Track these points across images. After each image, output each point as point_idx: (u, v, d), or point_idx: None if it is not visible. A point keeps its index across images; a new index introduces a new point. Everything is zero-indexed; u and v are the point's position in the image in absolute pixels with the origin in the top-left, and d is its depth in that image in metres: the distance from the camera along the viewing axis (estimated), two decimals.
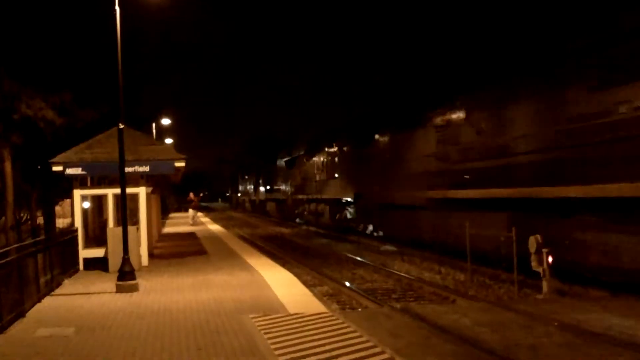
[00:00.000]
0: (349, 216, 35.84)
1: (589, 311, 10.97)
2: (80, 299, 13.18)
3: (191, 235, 32.87)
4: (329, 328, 9.66)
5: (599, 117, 13.65)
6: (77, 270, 17.77)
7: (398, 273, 18.99)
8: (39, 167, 25.14)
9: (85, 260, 18.27)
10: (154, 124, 42.06)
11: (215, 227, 41.37)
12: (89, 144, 18.96)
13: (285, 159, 54.88)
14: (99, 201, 21.21)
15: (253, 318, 10.51)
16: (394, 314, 11.56)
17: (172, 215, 65.08)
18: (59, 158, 18.31)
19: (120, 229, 15.44)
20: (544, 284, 13.93)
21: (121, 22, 14.84)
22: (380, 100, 35.81)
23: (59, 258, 15.50)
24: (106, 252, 17.58)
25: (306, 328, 9.70)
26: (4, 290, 10.42)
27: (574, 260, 14.47)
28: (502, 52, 20.26)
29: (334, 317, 10.55)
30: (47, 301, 12.99)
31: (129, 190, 16.05)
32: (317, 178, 41.87)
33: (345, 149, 35.79)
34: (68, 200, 29.33)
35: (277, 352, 8.34)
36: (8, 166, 22.49)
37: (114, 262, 16.07)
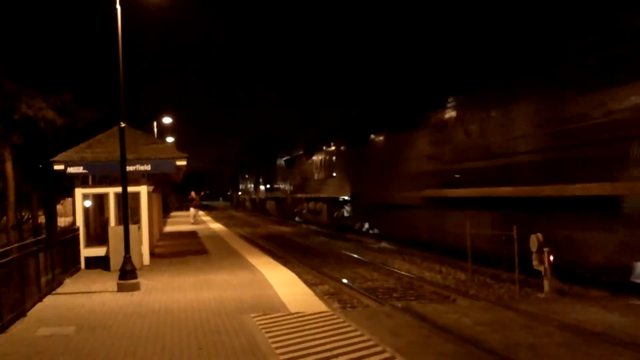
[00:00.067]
0: (346, 214, 36.46)
1: (589, 311, 10.99)
2: (82, 298, 13.20)
3: (192, 234, 32.90)
4: (330, 327, 9.67)
5: (573, 122, 14.77)
6: (79, 269, 17.79)
7: (399, 272, 19.01)
8: (40, 166, 25.18)
9: (87, 259, 18.29)
10: (155, 123, 42.08)
11: (216, 226, 41.40)
12: (90, 143, 18.98)
13: (285, 159, 55.47)
14: (100, 200, 21.25)
15: (254, 317, 10.52)
16: (394, 313, 11.58)
17: (173, 214, 65.12)
18: (61, 157, 18.32)
19: (121, 227, 15.46)
20: (545, 283, 13.94)
21: (122, 22, 14.84)
22: (377, 101, 36.86)
23: (60, 257, 15.52)
24: (107, 251, 17.61)
25: (307, 327, 9.71)
26: (4, 289, 10.43)
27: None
28: (487, 59, 21.47)
29: (335, 316, 10.57)
30: (48, 300, 13.01)
31: (130, 189, 16.07)
32: (316, 177, 42.44)
33: (342, 148, 36.51)
34: (69, 199, 29.35)
35: (278, 352, 8.35)
36: (9, 166, 22.51)
37: (115, 261, 16.09)
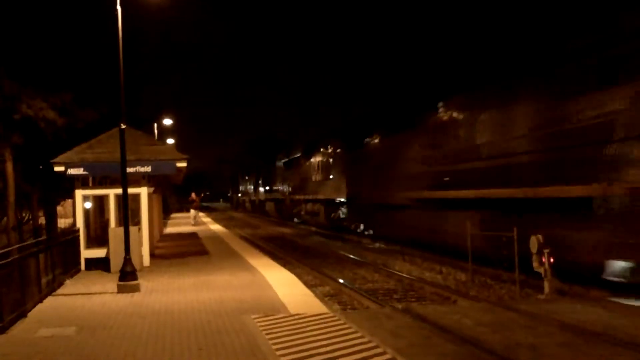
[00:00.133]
0: (342, 215, 37.10)
1: (589, 311, 10.99)
2: (82, 299, 13.20)
3: (193, 236, 32.90)
4: (331, 328, 9.67)
5: (548, 127, 15.65)
6: (79, 270, 17.79)
7: (399, 273, 19.00)
8: (40, 167, 25.18)
9: (87, 260, 18.29)
10: (155, 125, 42.08)
11: (216, 227, 41.40)
12: (90, 144, 18.97)
13: (284, 160, 56.02)
14: (100, 201, 21.24)
15: (255, 318, 10.52)
16: (395, 314, 11.57)
17: (173, 215, 65.10)
18: (61, 158, 18.32)
19: (121, 229, 15.46)
20: (546, 284, 13.94)
21: (122, 22, 14.85)
22: (373, 103, 38.35)
23: (61, 258, 15.52)
24: (108, 252, 17.61)
25: (308, 328, 9.71)
26: (5, 290, 10.43)
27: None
28: (470, 64, 23.04)
29: (335, 318, 10.57)
30: (49, 301, 13.01)
31: (130, 190, 16.08)
32: (314, 179, 42.98)
33: (338, 150, 37.23)
34: (70, 201, 29.31)
35: (278, 353, 8.35)
36: (9, 166, 22.51)
37: (116, 262, 16.09)
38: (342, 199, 36.06)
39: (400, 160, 26.18)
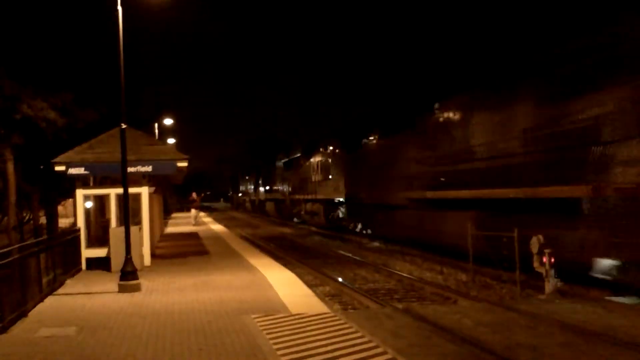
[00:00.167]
0: (340, 215, 37.65)
1: (589, 311, 11.00)
2: (82, 299, 13.21)
3: (193, 235, 32.90)
4: (331, 328, 9.68)
5: (536, 131, 16.05)
6: (80, 270, 17.80)
7: (400, 274, 19.01)
8: (41, 167, 25.16)
9: (88, 260, 18.29)
10: (156, 125, 42.09)
11: (217, 227, 41.41)
12: (91, 144, 18.98)
13: (284, 160, 56.42)
14: (101, 201, 21.25)
15: (255, 318, 10.53)
16: (395, 314, 11.57)
17: (174, 215, 65.08)
18: (62, 158, 18.33)
19: (122, 229, 15.47)
20: (546, 285, 13.94)
21: (122, 22, 14.86)
22: (371, 104, 39.29)
23: (61, 258, 15.53)
24: (108, 252, 17.62)
25: (308, 328, 9.72)
26: (6, 290, 10.44)
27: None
28: (468, 65, 24.22)
29: (336, 318, 10.57)
30: (49, 301, 13.02)
31: (131, 190, 16.08)
32: (313, 179, 43.37)
33: (337, 151, 37.78)
34: (70, 200, 29.35)
35: (279, 353, 8.36)
36: (10, 166, 22.48)
37: (116, 262, 16.10)
38: (341, 199, 36.47)
39: (399, 160, 26.44)
